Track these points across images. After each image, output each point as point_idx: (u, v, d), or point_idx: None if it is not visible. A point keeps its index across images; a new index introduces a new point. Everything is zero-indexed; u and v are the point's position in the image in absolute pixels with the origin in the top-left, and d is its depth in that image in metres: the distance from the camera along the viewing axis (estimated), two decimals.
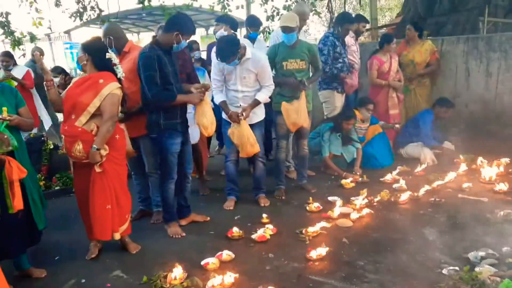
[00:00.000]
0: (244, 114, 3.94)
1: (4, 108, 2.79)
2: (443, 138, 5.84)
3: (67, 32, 15.16)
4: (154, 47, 3.43)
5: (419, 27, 6.06)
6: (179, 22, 3.46)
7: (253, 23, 5.34)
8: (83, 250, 3.42)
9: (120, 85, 3.16)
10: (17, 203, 2.73)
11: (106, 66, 3.16)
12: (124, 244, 3.46)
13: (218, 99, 4.08)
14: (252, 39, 5.16)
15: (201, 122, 3.76)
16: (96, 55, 3.14)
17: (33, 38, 7.38)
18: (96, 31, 11.88)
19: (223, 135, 4.34)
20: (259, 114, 4.22)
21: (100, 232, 3.23)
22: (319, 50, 5.18)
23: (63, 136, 3.11)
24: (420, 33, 5.99)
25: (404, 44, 6.09)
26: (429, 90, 6.11)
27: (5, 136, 2.70)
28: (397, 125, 5.71)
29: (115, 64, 3.18)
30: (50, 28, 8.33)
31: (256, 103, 4.06)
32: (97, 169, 3.10)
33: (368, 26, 7.18)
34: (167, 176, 3.67)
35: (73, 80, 3.26)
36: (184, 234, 3.71)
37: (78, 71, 3.30)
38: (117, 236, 3.31)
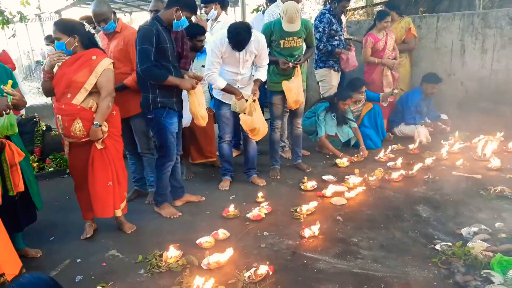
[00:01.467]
0: (255, 95, 3.92)
1: (10, 81, 2.77)
2: (436, 115, 5.85)
3: (58, 12, 14.84)
4: (156, 22, 3.35)
5: (394, 5, 6.01)
6: None
7: None
8: (78, 231, 3.42)
9: (112, 61, 3.15)
10: (19, 185, 2.76)
11: (92, 43, 3.12)
12: (119, 224, 3.47)
13: (222, 84, 3.84)
14: None
15: (199, 113, 3.68)
16: (83, 35, 3.07)
17: (22, 18, 7.24)
18: (87, 11, 11.66)
19: (217, 116, 4.24)
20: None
21: (102, 209, 3.26)
22: (314, 27, 5.12)
23: (58, 115, 3.04)
24: (398, 11, 5.96)
25: None
26: (406, 70, 6.05)
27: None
28: (395, 90, 5.60)
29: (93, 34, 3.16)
30: (39, 8, 8.16)
31: (260, 82, 4.03)
32: (99, 146, 3.11)
33: (362, 3, 7.09)
34: (167, 158, 3.61)
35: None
36: (180, 213, 3.71)
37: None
38: (118, 212, 3.35)
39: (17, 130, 2.82)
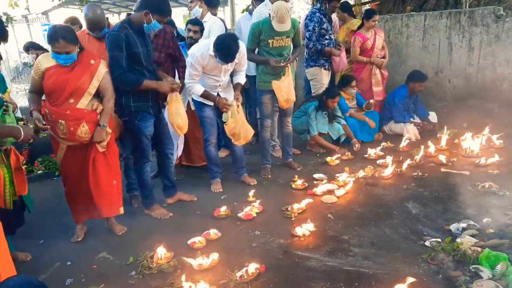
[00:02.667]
0: (238, 100, 3.95)
1: (9, 90, 2.78)
2: (425, 113, 5.90)
3: (45, 13, 14.70)
4: (125, 25, 3.27)
5: (346, 6, 6.10)
6: (150, 1, 3.25)
7: None
8: (68, 233, 3.41)
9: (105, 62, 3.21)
10: (22, 189, 2.90)
11: (81, 47, 3.12)
12: (110, 225, 3.46)
13: (199, 90, 3.86)
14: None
15: (176, 122, 3.64)
16: (78, 41, 3.05)
17: (9, 19, 7.15)
18: (75, 12, 11.56)
19: (201, 119, 4.19)
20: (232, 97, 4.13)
21: (108, 208, 3.33)
22: (305, 26, 5.14)
23: (61, 121, 3.00)
24: (350, 13, 6.07)
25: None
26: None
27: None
28: (371, 101, 5.69)
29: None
30: (28, 9, 8.08)
31: (241, 86, 4.07)
32: (101, 149, 3.16)
33: (352, 2, 7.13)
34: (142, 159, 3.62)
35: (40, 66, 3.03)
36: (171, 214, 3.70)
37: (41, 57, 3.08)
38: (121, 210, 3.42)
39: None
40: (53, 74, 2.99)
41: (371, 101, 5.69)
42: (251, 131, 4.10)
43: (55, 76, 2.99)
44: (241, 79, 4.08)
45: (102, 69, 3.11)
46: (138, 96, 3.41)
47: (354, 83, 5.51)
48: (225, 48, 3.61)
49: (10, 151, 2.83)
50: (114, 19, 16.09)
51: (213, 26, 4.72)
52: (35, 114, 2.94)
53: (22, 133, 2.55)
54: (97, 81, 3.08)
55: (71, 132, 3.03)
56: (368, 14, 5.67)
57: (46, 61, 3.01)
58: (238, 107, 3.92)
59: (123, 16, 16.64)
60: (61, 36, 2.90)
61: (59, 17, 13.65)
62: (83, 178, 3.22)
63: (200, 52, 3.73)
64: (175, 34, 4.42)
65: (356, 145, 5.21)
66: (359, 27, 5.78)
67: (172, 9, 4.01)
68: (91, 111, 3.09)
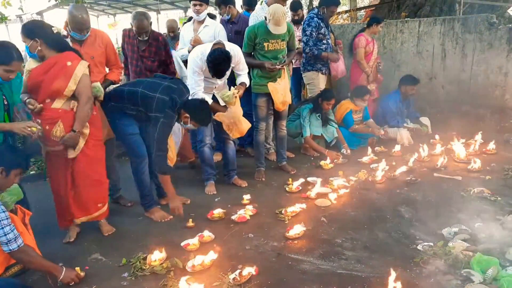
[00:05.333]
0: (239, 91, 3.95)
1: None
2: (416, 115, 5.96)
3: (40, 13, 14.64)
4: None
5: None
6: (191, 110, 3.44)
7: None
8: (60, 234, 3.38)
9: (88, 63, 3.09)
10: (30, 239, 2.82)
11: (62, 44, 3.06)
12: (99, 226, 3.46)
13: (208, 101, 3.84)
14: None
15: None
16: (46, 36, 2.97)
17: (3, 19, 7.10)
18: None
19: None
20: None
21: (82, 211, 3.28)
22: (302, 30, 5.16)
23: (38, 120, 2.98)
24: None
25: None
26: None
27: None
28: (371, 85, 5.72)
29: (65, 36, 3.11)
30: (22, 9, 8.02)
31: (245, 86, 4.08)
32: (72, 155, 3.07)
33: (346, 7, 7.17)
34: (135, 158, 3.62)
35: (27, 67, 3.03)
36: (171, 216, 3.66)
37: (29, 58, 3.08)
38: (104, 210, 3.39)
39: (22, 196, 2.91)
40: (32, 75, 2.97)
41: (372, 86, 5.69)
42: (246, 125, 4.09)
43: (33, 77, 2.97)
44: (244, 78, 4.09)
45: (79, 72, 2.97)
46: (115, 98, 3.50)
47: (367, 96, 5.51)
48: (217, 65, 3.66)
49: (16, 210, 2.81)
50: (110, 20, 16.06)
51: (221, 32, 4.61)
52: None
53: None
54: (74, 84, 2.95)
55: (47, 131, 2.97)
56: (378, 20, 5.75)
57: (32, 62, 3.01)
58: (236, 98, 3.90)
59: (118, 17, 16.62)
60: (21, 27, 2.94)
61: (54, 18, 13.60)
62: (63, 180, 3.18)
63: (199, 57, 3.78)
64: (167, 42, 4.44)
65: (348, 150, 5.22)
66: (361, 31, 5.82)
67: (169, 11, 4.04)
68: (68, 110, 3.00)
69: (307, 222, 3.38)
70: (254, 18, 4.90)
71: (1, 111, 2.99)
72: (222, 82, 4.04)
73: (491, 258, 2.61)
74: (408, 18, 6.98)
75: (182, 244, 3.14)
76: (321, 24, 5.19)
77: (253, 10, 5.26)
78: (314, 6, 9.54)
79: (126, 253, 3.06)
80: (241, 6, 5.44)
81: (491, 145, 5.05)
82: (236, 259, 2.95)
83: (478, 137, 5.20)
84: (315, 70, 5.39)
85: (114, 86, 3.85)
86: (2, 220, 2.43)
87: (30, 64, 3.01)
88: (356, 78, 5.82)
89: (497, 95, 5.70)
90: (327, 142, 5.42)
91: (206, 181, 4.34)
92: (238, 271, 2.71)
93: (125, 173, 4.12)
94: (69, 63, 2.97)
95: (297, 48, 4.89)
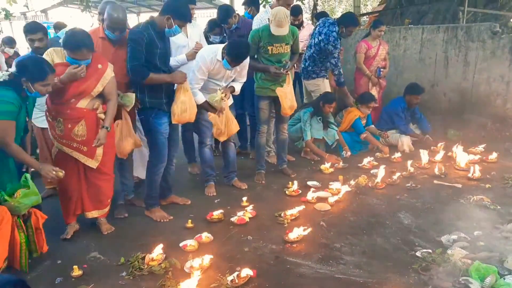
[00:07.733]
0: (226, 95, 3.97)
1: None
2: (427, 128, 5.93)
3: (44, 11, 14.70)
4: (148, 26, 3.34)
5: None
6: (173, 6, 3.33)
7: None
8: (58, 232, 3.37)
9: (112, 67, 3.24)
10: (43, 246, 2.97)
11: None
12: (98, 224, 3.47)
13: (200, 100, 3.88)
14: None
15: (171, 108, 3.64)
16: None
17: (7, 15, 7.14)
18: (74, 12, 11.53)
19: (196, 121, 4.18)
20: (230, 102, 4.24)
21: (96, 205, 3.40)
22: (333, 45, 5.05)
23: (59, 119, 3.07)
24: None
25: None
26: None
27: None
28: (382, 69, 5.83)
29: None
30: (27, 6, 8.05)
31: (232, 90, 4.10)
32: (93, 165, 3.22)
33: None
34: (158, 160, 3.61)
35: (53, 57, 3.07)
36: (171, 217, 3.67)
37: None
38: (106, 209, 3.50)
39: (40, 201, 2.94)
40: (60, 72, 2.99)
41: (382, 69, 5.79)
42: (235, 128, 4.15)
43: (60, 74, 3.00)
44: (237, 86, 4.13)
45: (109, 74, 3.15)
46: (152, 92, 3.47)
47: (372, 104, 5.52)
48: (236, 48, 3.73)
49: (30, 214, 2.87)
50: (133, 18, 15.88)
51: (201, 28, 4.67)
52: None
53: None
54: (102, 86, 3.12)
55: (68, 129, 3.05)
56: (375, 24, 5.82)
57: (57, 55, 3.06)
58: (225, 101, 3.93)
59: (142, 16, 16.41)
60: (85, 45, 2.97)
61: (58, 16, 13.61)
62: (75, 176, 3.25)
63: (210, 56, 3.79)
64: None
65: (348, 152, 5.23)
66: (365, 36, 5.86)
67: (145, 14, 4.09)
68: (90, 110, 3.13)
69: (306, 226, 3.37)
70: (258, 21, 4.91)
71: (22, 126, 2.98)
72: (225, 85, 4.05)
73: (489, 266, 2.61)
74: (412, 25, 7.00)
75: (180, 244, 3.14)
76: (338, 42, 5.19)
77: (252, 10, 5.37)
78: (317, 11, 9.59)
79: (125, 252, 3.06)
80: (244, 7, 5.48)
81: (494, 155, 5.02)
82: (234, 261, 2.95)
83: (479, 146, 5.20)
84: (321, 77, 5.42)
85: None
86: None
87: (55, 57, 3.06)
88: (358, 82, 5.88)
89: (499, 104, 5.70)
90: (328, 145, 5.42)
91: (206, 182, 4.34)
92: (236, 273, 2.70)
93: None
94: (100, 66, 3.13)
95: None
